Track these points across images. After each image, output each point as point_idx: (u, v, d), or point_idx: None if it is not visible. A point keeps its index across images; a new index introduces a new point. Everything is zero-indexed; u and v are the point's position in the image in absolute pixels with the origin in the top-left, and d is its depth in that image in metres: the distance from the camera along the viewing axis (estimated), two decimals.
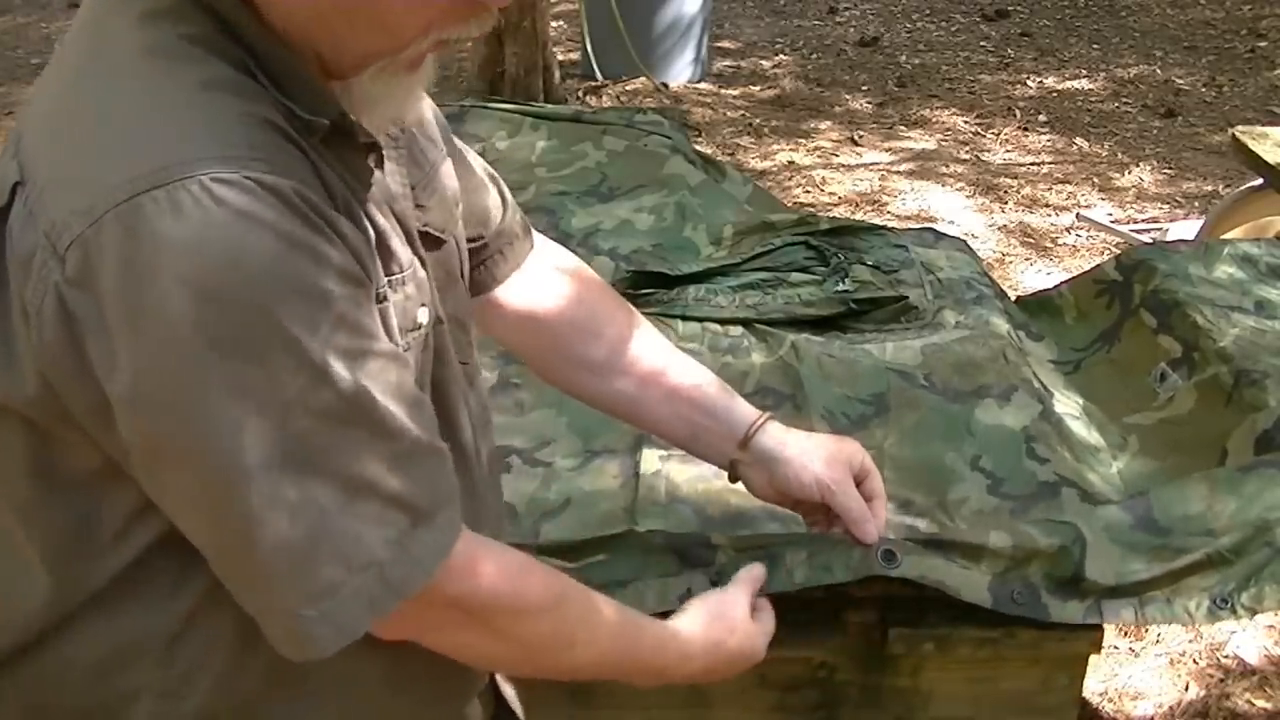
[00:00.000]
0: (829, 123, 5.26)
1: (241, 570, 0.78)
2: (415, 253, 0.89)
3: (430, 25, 0.79)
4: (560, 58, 5.66)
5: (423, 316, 0.88)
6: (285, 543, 0.75)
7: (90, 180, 0.72)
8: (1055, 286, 2.08)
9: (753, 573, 1.18)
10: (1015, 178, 4.64)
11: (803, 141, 5.03)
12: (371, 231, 0.82)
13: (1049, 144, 5.05)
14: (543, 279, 1.19)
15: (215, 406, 0.72)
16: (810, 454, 1.19)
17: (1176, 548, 1.32)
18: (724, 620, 1.11)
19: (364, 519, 0.77)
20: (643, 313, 1.82)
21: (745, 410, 1.22)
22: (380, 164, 0.87)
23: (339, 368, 0.74)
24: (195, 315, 0.70)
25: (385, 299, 0.83)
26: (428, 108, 0.99)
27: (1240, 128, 2.90)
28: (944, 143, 5.05)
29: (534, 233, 1.21)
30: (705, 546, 1.31)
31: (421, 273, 0.89)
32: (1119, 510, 1.37)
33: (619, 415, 1.25)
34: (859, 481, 1.21)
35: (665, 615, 1.11)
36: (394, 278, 0.85)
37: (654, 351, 1.21)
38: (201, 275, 0.70)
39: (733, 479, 1.24)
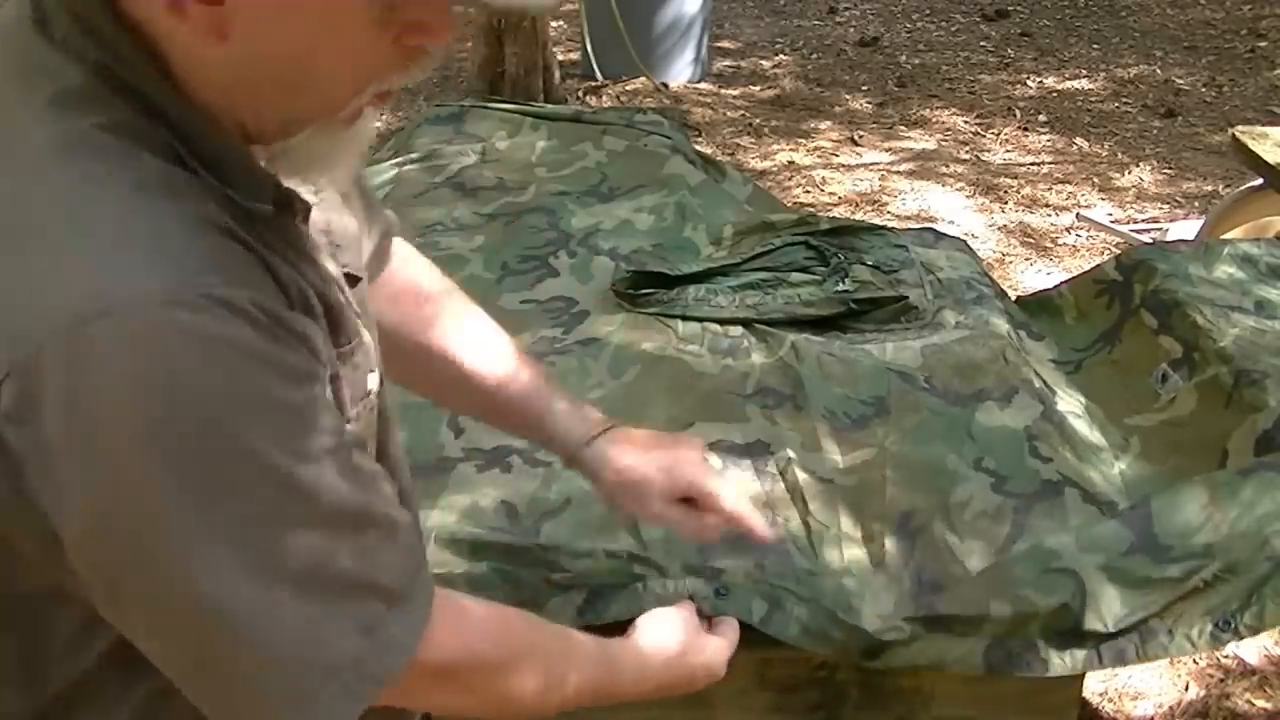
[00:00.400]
0: (829, 123, 5.26)
1: (216, 692, 0.75)
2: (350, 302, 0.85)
3: (369, 80, 0.74)
4: (560, 58, 5.66)
5: (372, 383, 0.86)
6: (263, 661, 0.72)
7: (22, 307, 0.66)
8: (1055, 286, 2.08)
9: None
10: (1015, 178, 4.64)
11: (803, 141, 5.03)
12: (320, 308, 0.78)
13: (1049, 144, 5.05)
14: (398, 268, 1.15)
15: (180, 538, 0.68)
16: (625, 477, 1.16)
17: (1175, 577, 1.32)
18: (675, 639, 1.10)
19: (341, 618, 0.75)
20: (643, 313, 1.84)
21: (574, 429, 1.18)
22: (307, 219, 0.82)
23: (303, 475, 0.71)
24: (155, 448, 0.66)
25: (338, 376, 0.79)
26: None
27: (1240, 128, 2.90)
28: (944, 143, 5.05)
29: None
30: (715, 569, 1.32)
31: (368, 338, 0.86)
32: (1119, 527, 1.37)
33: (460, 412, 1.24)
34: (693, 497, 1.18)
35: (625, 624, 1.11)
36: (343, 350, 0.81)
37: (491, 362, 1.17)
38: (159, 407, 0.65)
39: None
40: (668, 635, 1.09)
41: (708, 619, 1.15)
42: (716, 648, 1.12)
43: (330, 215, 0.89)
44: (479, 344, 1.17)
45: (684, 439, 1.23)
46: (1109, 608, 1.30)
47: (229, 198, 0.72)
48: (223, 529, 0.69)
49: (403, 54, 0.73)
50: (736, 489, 1.20)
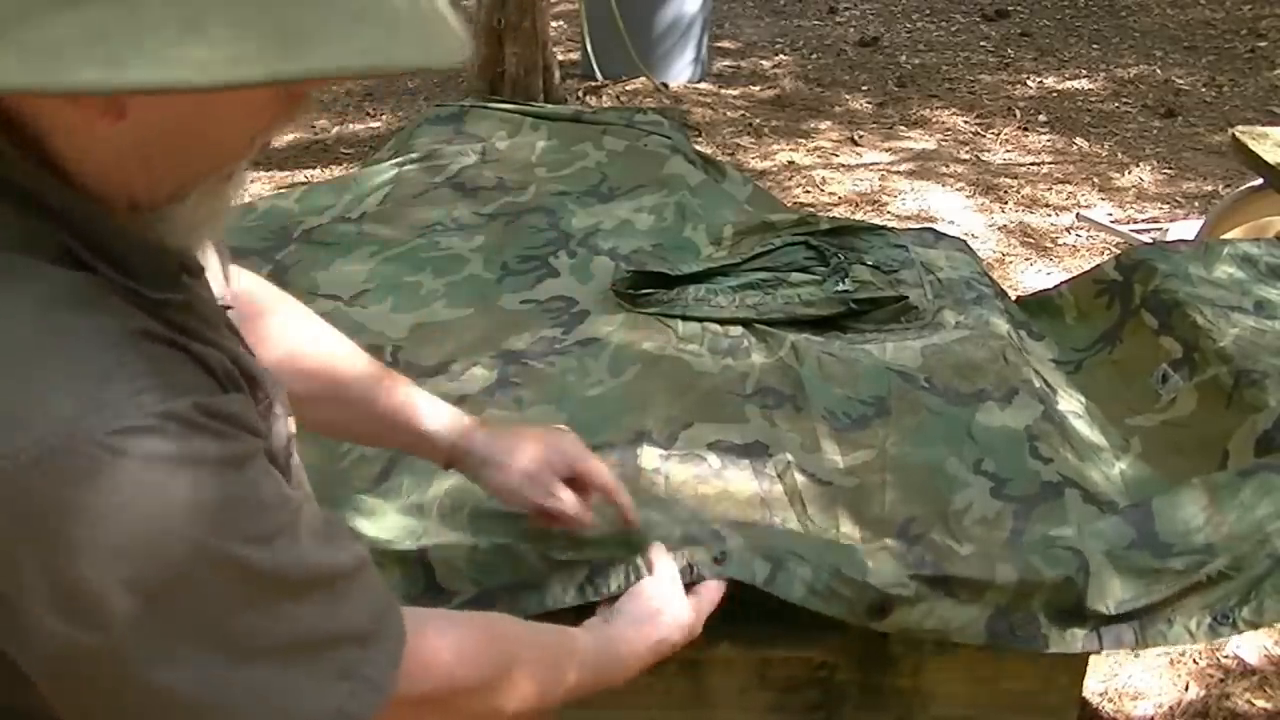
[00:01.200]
0: (829, 123, 5.26)
1: None
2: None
3: (258, 132, 0.73)
4: (560, 58, 5.66)
5: (291, 426, 0.86)
6: None
7: None
8: (1055, 286, 2.08)
9: (666, 561, 1.21)
10: (1015, 178, 4.64)
11: (803, 141, 5.03)
12: (239, 375, 0.77)
13: (1049, 144, 5.05)
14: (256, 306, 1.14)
15: (156, 665, 0.68)
16: (511, 465, 1.20)
17: (1177, 570, 1.32)
18: (651, 614, 1.13)
19: (320, 674, 0.75)
20: (643, 313, 1.84)
21: (446, 430, 1.20)
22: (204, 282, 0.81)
23: (262, 556, 0.70)
24: (125, 577, 0.65)
25: (266, 435, 0.78)
26: None
27: (1240, 128, 2.89)
28: (944, 143, 5.05)
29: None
30: (714, 535, 1.31)
31: (278, 383, 0.85)
32: (1121, 523, 1.37)
33: (331, 436, 1.26)
34: (575, 474, 1.23)
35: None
36: (262, 406, 0.80)
37: (353, 375, 1.19)
38: (118, 537, 0.64)
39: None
40: (648, 608, 1.12)
41: (688, 584, 1.18)
42: (696, 608, 1.16)
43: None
44: (337, 356, 1.18)
45: (552, 426, 1.26)
46: (1112, 590, 1.30)
47: (136, 292, 0.69)
48: (187, 633, 0.68)
49: (290, 101, 0.72)
50: (607, 468, 1.26)
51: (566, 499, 1.22)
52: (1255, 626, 1.35)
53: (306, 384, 1.11)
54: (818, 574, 1.27)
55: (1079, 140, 5.06)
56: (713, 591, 1.20)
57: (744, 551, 1.28)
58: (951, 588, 1.29)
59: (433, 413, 1.21)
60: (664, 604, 1.15)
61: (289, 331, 1.15)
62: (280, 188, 4.34)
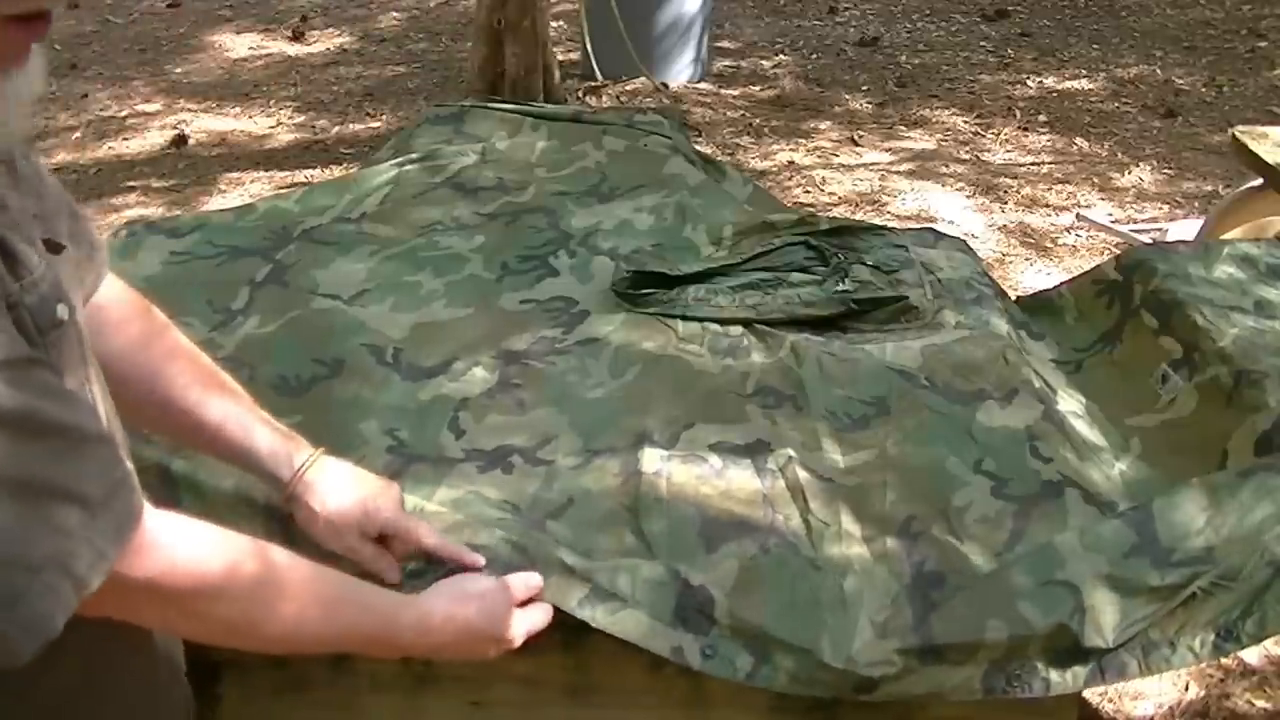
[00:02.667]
0: (829, 123, 5.25)
1: None
2: (43, 256, 0.90)
3: None
4: (560, 58, 5.65)
5: (62, 313, 0.90)
6: None
7: None
8: (1055, 287, 2.08)
9: (529, 582, 1.23)
10: (1015, 178, 4.64)
11: (803, 141, 5.02)
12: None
13: (1049, 144, 5.04)
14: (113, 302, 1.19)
15: None
16: (319, 514, 1.22)
17: (1175, 584, 1.32)
18: (467, 597, 1.15)
19: (39, 521, 0.79)
20: (643, 313, 1.84)
21: (283, 461, 1.22)
22: None
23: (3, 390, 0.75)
24: None
25: (18, 304, 0.84)
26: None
27: (1240, 128, 2.89)
28: (944, 143, 5.05)
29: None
30: (705, 616, 1.32)
31: (54, 273, 0.90)
32: (1122, 527, 1.37)
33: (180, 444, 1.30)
34: (386, 535, 1.25)
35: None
36: (24, 281, 0.86)
37: (199, 406, 1.20)
38: None
39: None
40: (461, 605, 1.14)
41: (524, 602, 1.21)
42: (517, 624, 1.18)
43: (22, 183, 0.94)
44: (193, 382, 1.20)
45: (382, 480, 1.28)
46: (1108, 621, 1.30)
47: None
48: None
49: None
50: (432, 527, 1.27)
51: (365, 553, 1.23)
52: (1258, 640, 1.35)
53: (146, 387, 1.16)
54: (801, 665, 1.29)
55: (1079, 140, 5.06)
56: (540, 615, 1.23)
57: (729, 642, 1.30)
58: (941, 654, 1.30)
59: (270, 442, 1.22)
60: (486, 597, 1.17)
61: (137, 331, 1.18)
62: (280, 188, 4.35)
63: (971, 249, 2.19)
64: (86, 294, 1.08)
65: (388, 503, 1.26)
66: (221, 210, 2.26)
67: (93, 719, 1.00)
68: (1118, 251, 3.13)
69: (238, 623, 0.95)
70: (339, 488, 1.24)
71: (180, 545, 0.91)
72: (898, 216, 4.23)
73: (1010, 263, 3.95)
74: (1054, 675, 1.31)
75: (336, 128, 5.20)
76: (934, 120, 5.31)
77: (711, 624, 1.31)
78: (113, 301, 1.17)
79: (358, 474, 1.27)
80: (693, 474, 1.50)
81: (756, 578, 1.35)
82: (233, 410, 1.21)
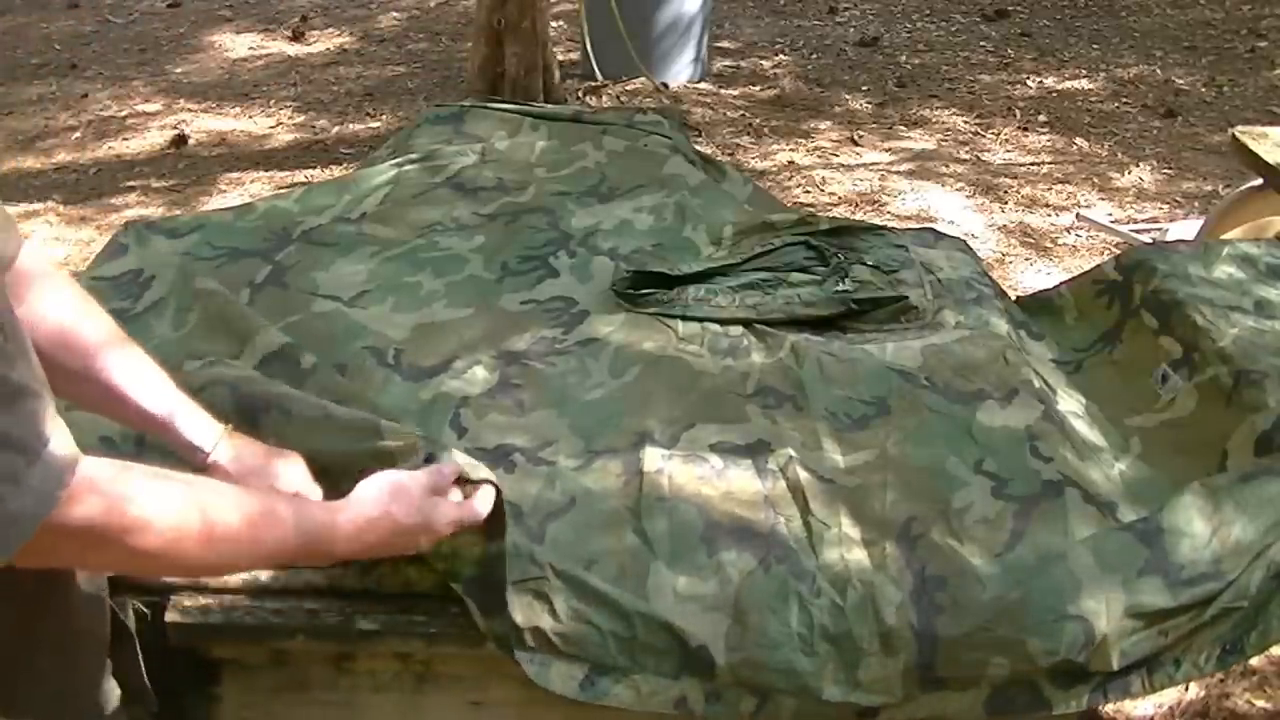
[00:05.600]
0: (829, 123, 5.25)
1: None
2: None
3: None
4: (560, 58, 5.65)
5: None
6: None
7: None
8: (1055, 287, 2.08)
9: (444, 470, 1.26)
10: (1015, 178, 4.64)
11: (803, 141, 5.02)
12: None
13: (1049, 144, 5.04)
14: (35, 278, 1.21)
15: None
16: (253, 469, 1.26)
17: (1187, 605, 1.32)
18: (389, 497, 1.17)
19: None
20: (643, 313, 1.84)
21: (197, 438, 1.26)
22: None
23: None
24: None
25: None
26: None
27: (1240, 128, 2.89)
28: (944, 143, 5.04)
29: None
30: (708, 660, 1.32)
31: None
32: (1133, 541, 1.37)
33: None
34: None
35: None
36: None
37: (118, 374, 1.23)
38: None
39: None
40: (386, 504, 1.16)
41: (468, 483, 1.24)
42: (442, 514, 1.20)
43: None
44: (128, 366, 1.23)
45: (287, 453, 1.31)
46: (1116, 650, 1.31)
47: None
48: None
49: None
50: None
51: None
52: (1262, 650, 1.35)
53: (68, 358, 1.19)
54: (803, 703, 1.31)
55: (1079, 140, 5.06)
56: (469, 509, 1.24)
57: (732, 689, 1.32)
58: (943, 683, 1.31)
59: (187, 416, 1.26)
60: (406, 492, 1.19)
61: (58, 304, 1.20)
62: (280, 188, 4.34)
63: (971, 249, 2.19)
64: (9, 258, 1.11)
65: (295, 476, 1.30)
66: (221, 210, 2.26)
67: (28, 661, 1.06)
68: (1118, 251, 3.13)
69: (172, 554, 0.99)
70: (252, 462, 1.28)
71: (115, 483, 0.94)
72: (898, 216, 4.23)
73: (1010, 263, 3.94)
74: (1057, 696, 1.31)
75: (336, 128, 5.19)
76: (934, 120, 5.31)
77: (713, 675, 1.32)
78: (29, 267, 1.19)
79: (266, 450, 1.31)
80: (694, 474, 1.50)
81: (754, 603, 1.34)
82: (147, 375, 1.25)
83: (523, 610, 1.31)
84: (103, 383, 1.21)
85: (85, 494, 0.90)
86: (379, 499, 1.17)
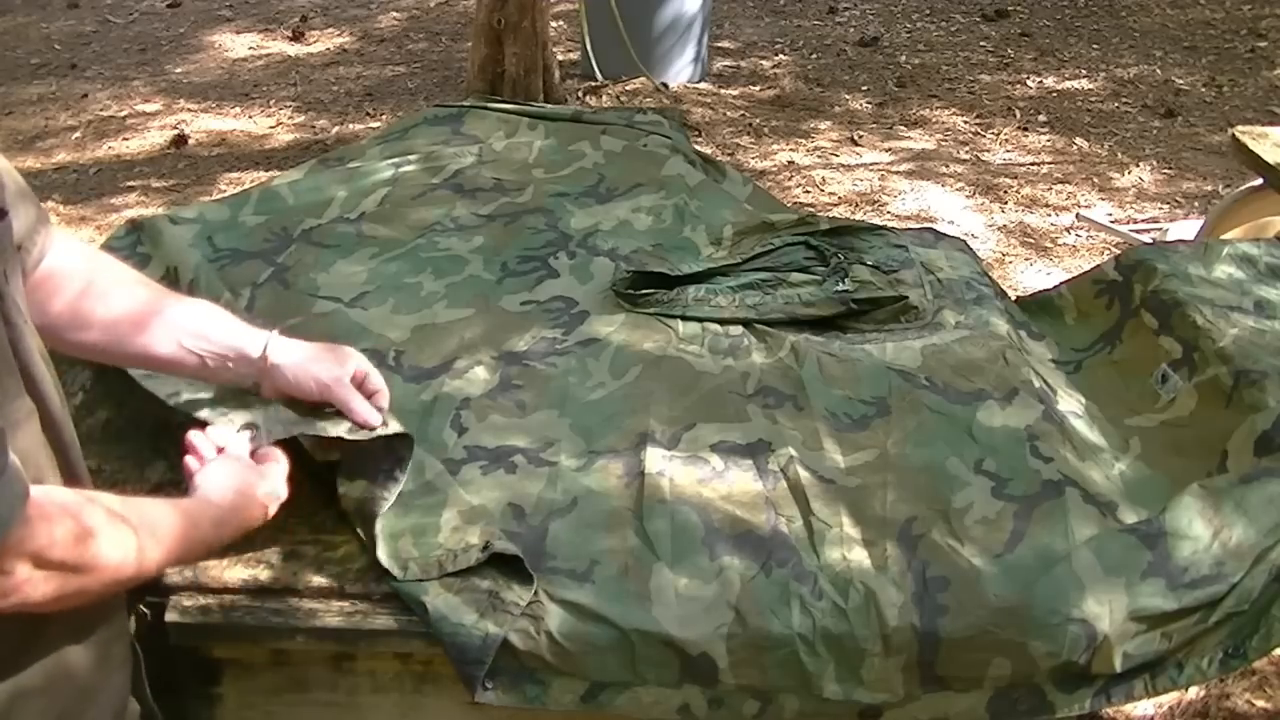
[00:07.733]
0: (829, 123, 5.25)
1: None
2: None
3: None
4: (560, 58, 5.65)
5: None
6: None
7: None
8: (1055, 287, 2.08)
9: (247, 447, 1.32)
10: (1015, 178, 4.64)
11: (803, 141, 5.02)
12: None
13: (1049, 144, 5.04)
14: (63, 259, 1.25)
15: None
16: (305, 361, 1.36)
17: (1190, 608, 1.32)
18: (226, 485, 1.22)
19: None
20: (643, 313, 1.84)
21: (253, 339, 1.35)
22: None
23: None
24: None
25: None
26: None
27: (1240, 128, 2.89)
28: (944, 143, 5.04)
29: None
30: (710, 667, 1.32)
31: None
32: (1137, 544, 1.37)
33: (126, 365, 1.41)
34: (359, 382, 1.39)
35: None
36: None
37: (159, 304, 1.32)
38: None
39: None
40: (227, 480, 1.22)
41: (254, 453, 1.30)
42: (274, 475, 1.27)
43: None
44: (150, 299, 1.31)
45: (337, 347, 1.40)
46: (1119, 653, 1.31)
47: None
48: None
49: None
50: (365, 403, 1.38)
51: (353, 395, 1.37)
52: (1264, 654, 1.35)
53: (134, 334, 1.27)
54: (805, 703, 1.32)
55: (1079, 140, 5.06)
56: (283, 459, 1.30)
57: (735, 694, 1.32)
58: (945, 684, 1.31)
59: (240, 338, 1.35)
60: (233, 478, 1.24)
61: (113, 296, 1.28)
62: None
63: (971, 249, 2.19)
64: (35, 259, 1.16)
65: (350, 352, 1.40)
66: (216, 200, 2.26)
67: (104, 684, 1.08)
68: (1118, 251, 3.13)
69: (108, 574, 1.00)
70: (306, 349, 1.38)
71: (63, 520, 0.95)
72: (898, 216, 4.23)
73: (1010, 263, 3.95)
74: (1060, 698, 1.31)
75: (336, 128, 5.19)
76: (934, 120, 5.31)
77: (715, 681, 1.32)
78: (62, 263, 1.23)
79: (316, 349, 1.39)
80: (695, 477, 1.50)
81: (756, 607, 1.34)
82: (199, 316, 1.34)
83: (520, 637, 1.31)
84: (169, 340, 1.30)
85: (36, 531, 0.91)
86: (222, 491, 1.22)
